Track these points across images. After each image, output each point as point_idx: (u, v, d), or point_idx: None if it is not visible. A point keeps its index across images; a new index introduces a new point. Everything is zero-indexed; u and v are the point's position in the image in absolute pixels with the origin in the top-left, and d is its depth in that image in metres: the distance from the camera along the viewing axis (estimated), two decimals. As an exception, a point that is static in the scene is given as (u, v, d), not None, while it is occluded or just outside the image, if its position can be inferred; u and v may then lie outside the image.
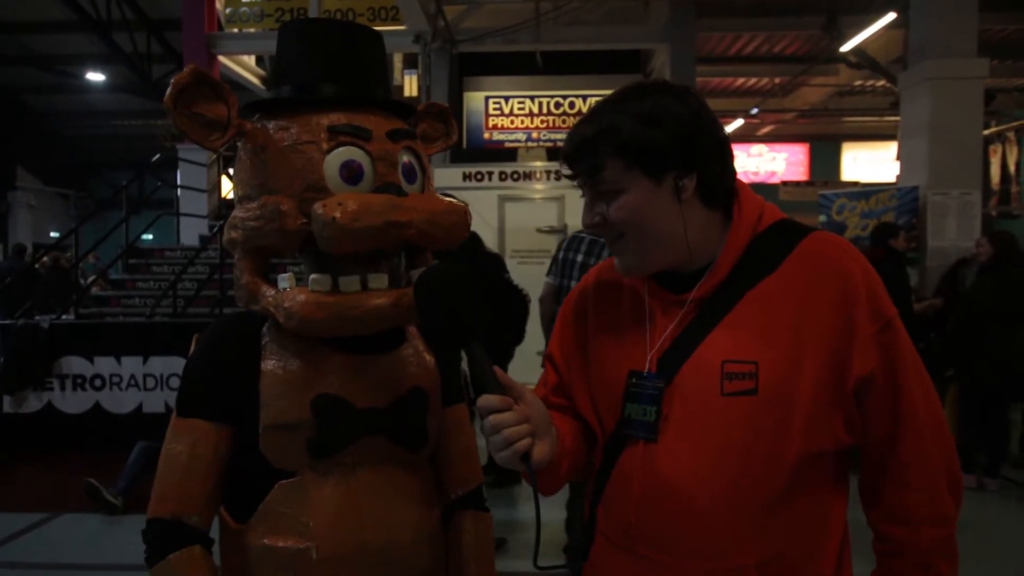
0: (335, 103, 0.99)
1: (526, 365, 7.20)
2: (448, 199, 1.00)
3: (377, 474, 1.02)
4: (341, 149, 0.96)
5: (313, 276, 0.95)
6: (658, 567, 0.93)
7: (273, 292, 0.98)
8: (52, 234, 16.84)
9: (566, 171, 1.00)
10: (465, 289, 0.89)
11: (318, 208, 0.90)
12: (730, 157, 0.99)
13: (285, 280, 0.98)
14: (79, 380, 5.20)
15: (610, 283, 1.07)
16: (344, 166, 0.96)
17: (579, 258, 3.51)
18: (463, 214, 1.00)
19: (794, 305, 0.92)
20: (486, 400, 0.88)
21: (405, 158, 1.01)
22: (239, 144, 1.02)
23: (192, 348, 1.05)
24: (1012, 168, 11.53)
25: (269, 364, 1.00)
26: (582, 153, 0.96)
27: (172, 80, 0.95)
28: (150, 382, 5.16)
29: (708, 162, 0.95)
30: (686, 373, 0.93)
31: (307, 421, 0.97)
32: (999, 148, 11.48)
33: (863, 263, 0.94)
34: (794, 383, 0.89)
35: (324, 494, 0.98)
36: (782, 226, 0.99)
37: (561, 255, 3.51)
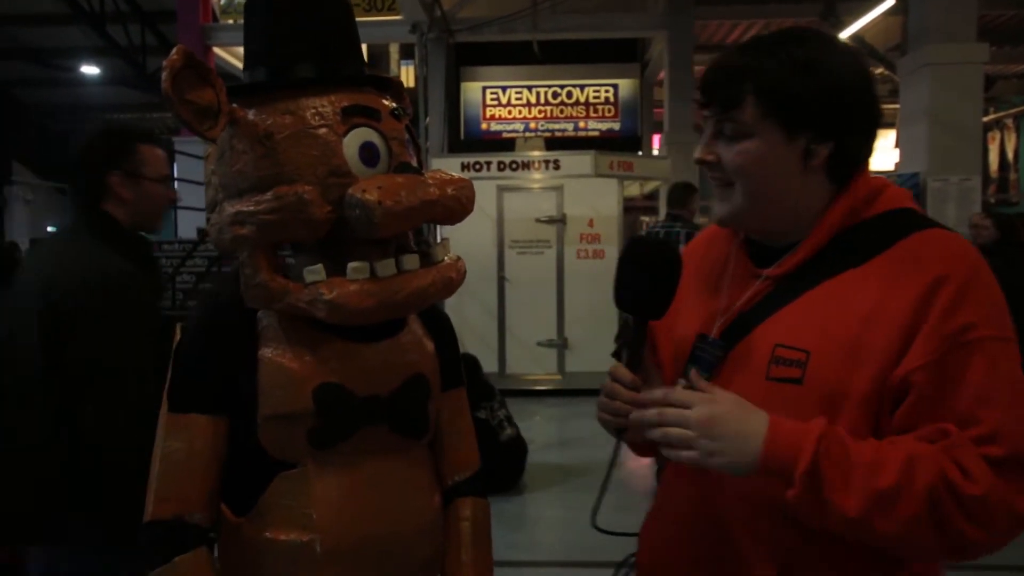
0: (334, 83, 0.96)
1: (527, 356, 7.20)
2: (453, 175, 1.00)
3: (379, 463, 1.01)
4: (357, 131, 0.94)
5: (352, 265, 0.92)
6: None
7: (304, 288, 0.93)
8: (49, 228, 16.79)
9: (698, 97, 0.93)
10: (672, 265, 0.93)
11: (356, 194, 0.87)
12: (876, 132, 0.91)
13: (316, 273, 0.93)
14: (79, 374, 5.18)
15: (716, 243, 1.05)
16: (363, 148, 0.94)
17: None
18: (472, 188, 0.98)
19: (870, 301, 0.84)
20: (620, 369, 0.91)
21: (406, 136, 1.00)
22: (224, 133, 0.96)
23: (178, 339, 1.01)
24: (1010, 155, 11.53)
25: (268, 351, 0.97)
26: (723, 83, 0.89)
27: (164, 64, 0.89)
28: (150, 375, 5.16)
29: (851, 133, 0.88)
30: (741, 349, 0.91)
31: (308, 411, 0.95)
32: (997, 135, 11.47)
33: (977, 270, 0.83)
34: (845, 383, 0.83)
35: (327, 485, 0.97)
36: (894, 216, 0.90)
37: None
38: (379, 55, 11.60)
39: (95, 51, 11.87)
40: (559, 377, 6.98)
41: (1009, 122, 10.99)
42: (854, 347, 0.83)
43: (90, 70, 12.88)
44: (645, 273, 0.93)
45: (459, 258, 1.01)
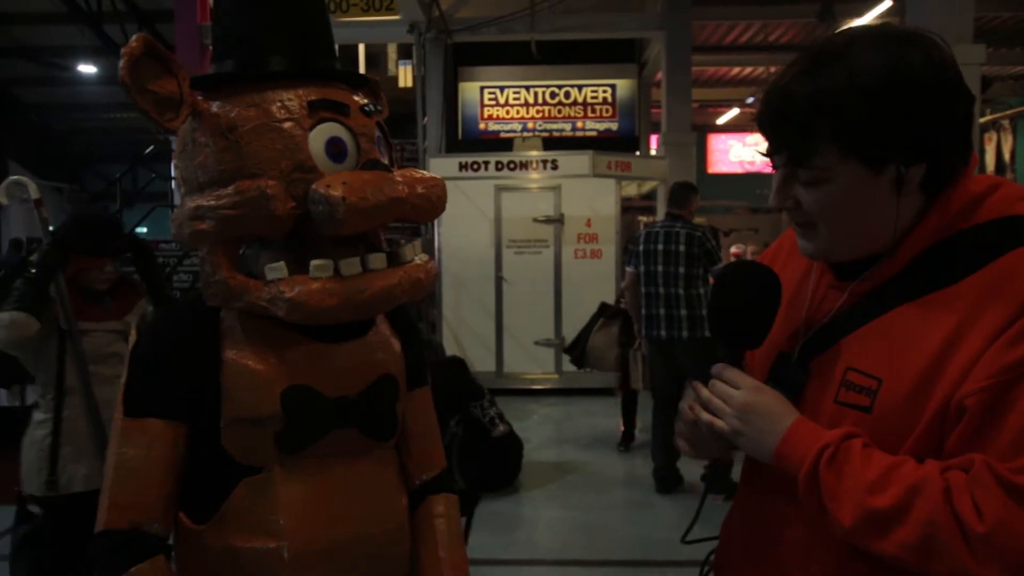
0: (303, 77, 0.94)
1: (524, 355, 7.20)
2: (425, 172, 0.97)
3: (346, 466, 0.99)
4: (324, 125, 0.91)
5: (315, 262, 0.89)
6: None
7: (264, 285, 0.91)
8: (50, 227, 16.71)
9: (759, 132, 0.84)
10: (778, 299, 0.90)
11: (320, 189, 0.85)
12: (971, 130, 0.82)
13: (277, 271, 0.90)
14: (74, 373, 5.18)
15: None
16: (330, 143, 0.91)
17: (660, 247, 4.15)
18: (444, 187, 0.96)
19: (951, 328, 0.77)
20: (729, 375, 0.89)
21: (376, 133, 0.98)
22: (186, 126, 0.94)
23: (135, 340, 0.98)
24: (1007, 156, 11.56)
25: (231, 353, 0.94)
26: (788, 128, 0.80)
27: (123, 51, 0.87)
28: (147, 375, 5.15)
29: (945, 148, 0.79)
30: (815, 365, 0.88)
31: (276, 415, 0.93)
32: (994, 136, 11.50)
33: None
34: (916, 413, 0.78)
35: (294, 490, 0.94)
36: (999, 226, 0.80)
37: (642, 248, 4.23)
38: (377, 55, 11.59)
39: (92, 50, 11.85)
40: (556, 376, 6.99)
41: (1006, 123, 11.00)
42: (928, 378, 0.77)
43: (87, 69, 12.85)
44: (751, 312, 0.90)
45: (429, 259, 0.98)
